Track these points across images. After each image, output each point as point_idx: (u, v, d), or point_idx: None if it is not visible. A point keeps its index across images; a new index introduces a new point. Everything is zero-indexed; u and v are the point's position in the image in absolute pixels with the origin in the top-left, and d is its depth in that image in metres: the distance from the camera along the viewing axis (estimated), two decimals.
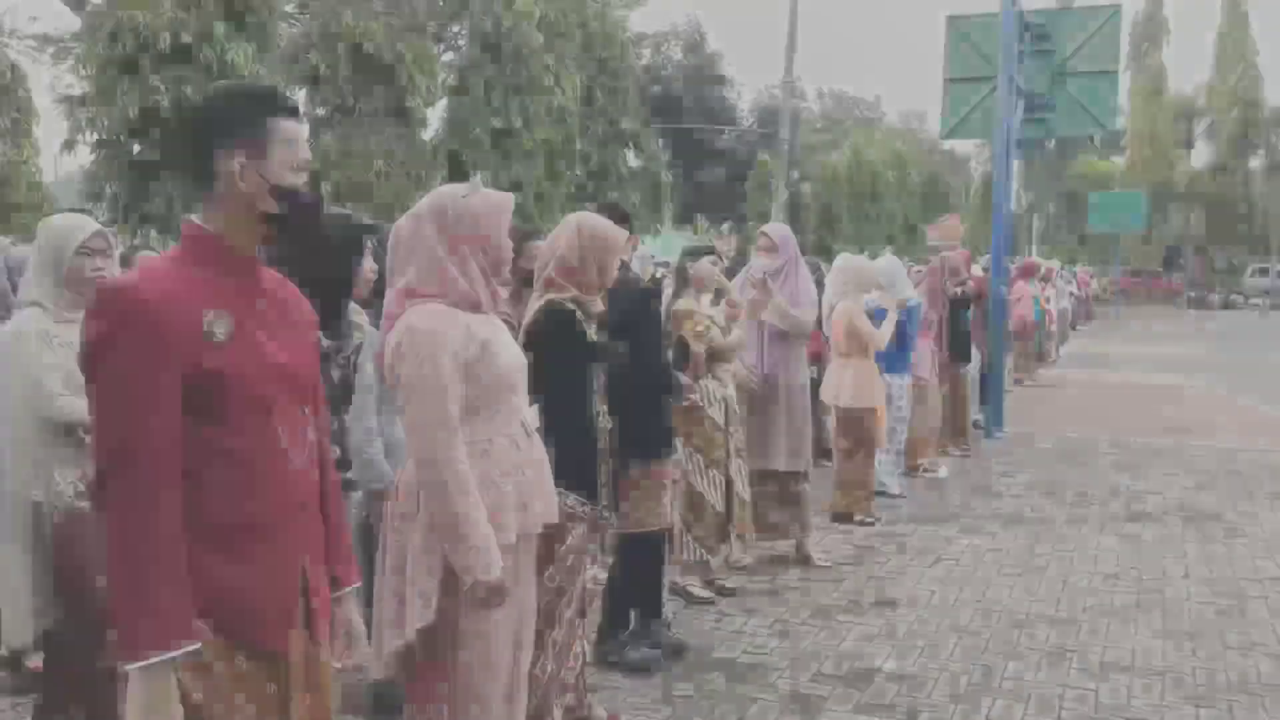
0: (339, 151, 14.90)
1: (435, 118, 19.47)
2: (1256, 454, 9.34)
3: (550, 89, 18.62)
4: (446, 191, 2.66)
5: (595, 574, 3.60)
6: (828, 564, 5.73)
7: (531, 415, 2.82)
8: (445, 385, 2.46)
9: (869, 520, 6.57)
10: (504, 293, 2.74)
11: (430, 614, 2.49)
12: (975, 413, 10.20)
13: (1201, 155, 47.22)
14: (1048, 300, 16.41)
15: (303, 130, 2.00)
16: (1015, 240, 36.78)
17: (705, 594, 5.03)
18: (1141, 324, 30.80)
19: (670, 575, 5.19)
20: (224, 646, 1.81)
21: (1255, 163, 45.29)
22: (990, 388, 10.27)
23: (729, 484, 4.86)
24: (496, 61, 17.99)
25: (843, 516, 6.62)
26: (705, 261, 4.92)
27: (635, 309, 4.12)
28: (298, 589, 1.93)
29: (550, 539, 3.43)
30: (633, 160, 22.86)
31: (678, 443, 4.48)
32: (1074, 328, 23.81)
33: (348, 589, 2.14)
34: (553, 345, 3.41)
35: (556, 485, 3.41)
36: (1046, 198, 46.82)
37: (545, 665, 3.45)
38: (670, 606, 4.88)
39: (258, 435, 1.85)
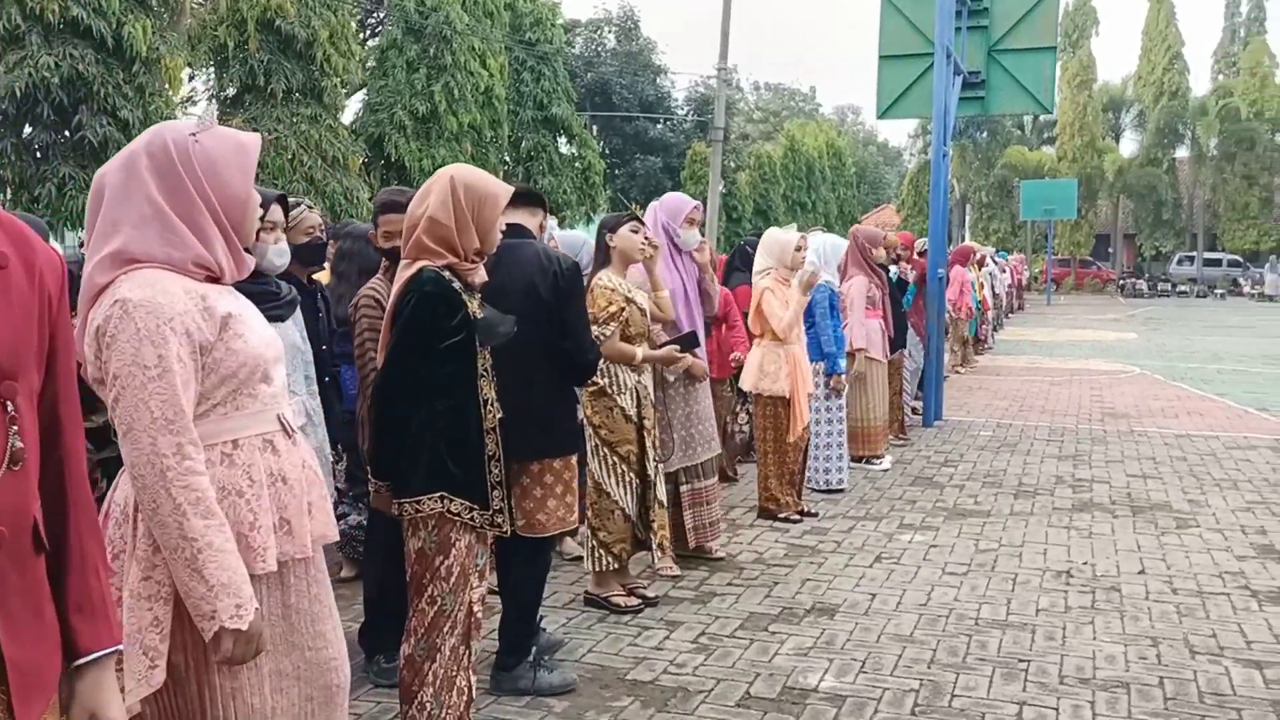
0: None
1: (356, 100, 18.72)
2: (1199, 439, 9.09)
3: (476, 71, 17.93)
4: (169, 128, 2.05)
5: (484, 592, 3.07)
6: (721, 556, 5.29)
7: (296, 410, 2.26)
8: (172, 374, 1.88)
9: (793, 518, 6.10)
10: (249, 261, 2.14)
11: (159, 676, 1.90)
12: (909, 398, 9.83)
13: (1129, 145, 47.95)
14: (983, 286, 16.20)
15: None
16: (948, 231, 36.78)
17: (629, 603, 4.51)
18: (1073, 311, 31.00)
19: (586, 586, 4.68)
20: None
21: (1181, 152, 46.04)
22: (929, 375, 9.91)
23: (644, 484, 4.34)
24: (419, 42, 17.26)
25: (768, 513, 6.15)
26: (626, 230, 4.39)
27: (558, 284, 3.60)
28: None
29: (428, 555, 2.89)
30: (565, 147, 22.24)
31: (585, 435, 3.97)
32: (1007, 315, 23.78)
33: (92, 656, 1.52)
34: (423, 323, 2.86)
35: (437, 489, 2.89)
36: (978, 187, 47.12)
37: (424, 703, 2.91)
38: (581, 619, 4.37)
39: None
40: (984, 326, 16.73)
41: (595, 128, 31.14)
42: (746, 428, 7.38)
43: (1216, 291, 40.75)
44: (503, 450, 3.03)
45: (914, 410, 9.98)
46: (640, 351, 4.31)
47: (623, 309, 4.30)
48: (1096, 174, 44.22)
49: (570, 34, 29.58)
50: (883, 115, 11.16)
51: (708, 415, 5.21)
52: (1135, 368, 15.28)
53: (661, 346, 4.50)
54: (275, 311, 3.23)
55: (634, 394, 4.31)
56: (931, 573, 5.17)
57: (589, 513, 4.40)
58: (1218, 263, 44.12)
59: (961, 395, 11.93)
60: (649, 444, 4.33)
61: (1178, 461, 8.08)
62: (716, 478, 5.36)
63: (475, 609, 3.00)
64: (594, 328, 4.23)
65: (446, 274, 2.93)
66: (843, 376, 6.59)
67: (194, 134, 2.02)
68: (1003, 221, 46.45)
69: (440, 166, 13.39)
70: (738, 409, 7.19)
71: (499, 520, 3.00)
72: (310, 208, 4.04)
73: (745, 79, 78.78)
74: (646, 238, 4.41)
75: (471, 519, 2.92)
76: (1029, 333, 22.29)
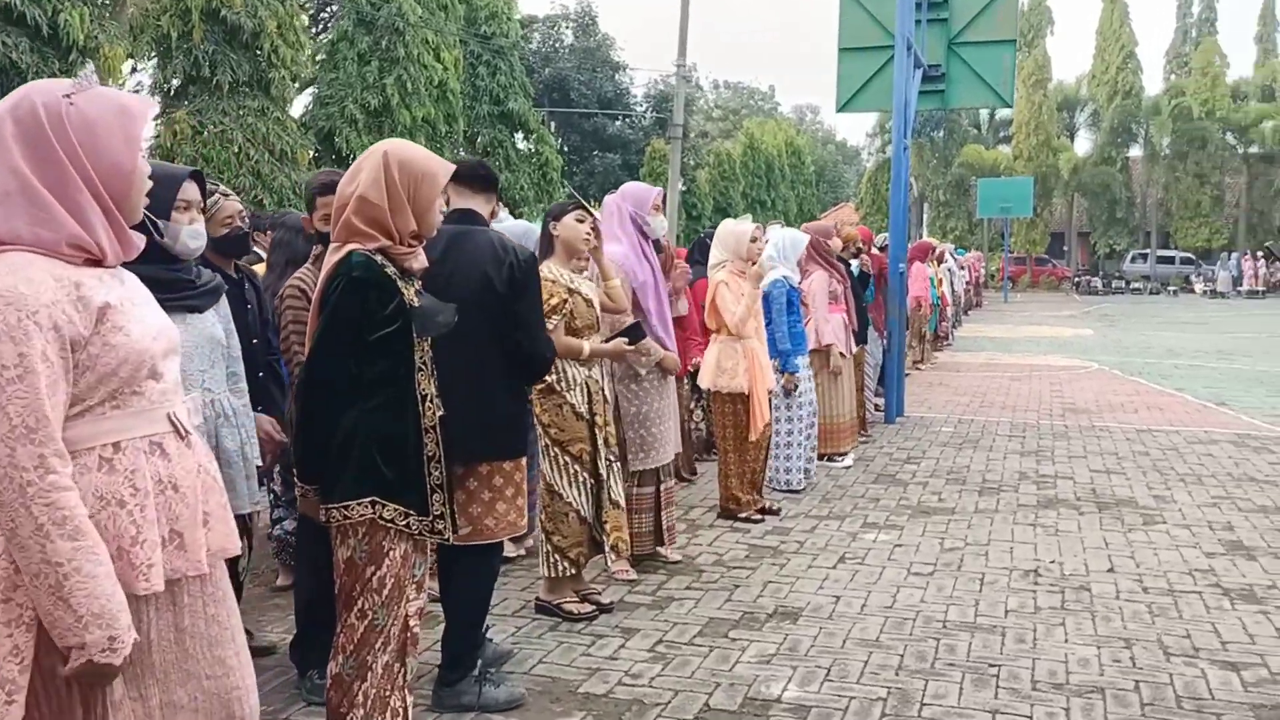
0: (192, 126, 13.65)
1: (307, 93, 18.29)
2: (1161, 434, 9.03)
3: (430, 64, 17.59)
4: (39, 88, 1.78)
5: (422, 605, 2.84)
6: (679, 559, 5.08)
7: (193, 407, 2.02)
8: (35, 375, 1.63)
9: (754, 517, 5.91)
10: (137, 241, 1.88)
11: (17, 713, 1.66)
12: (871, 394, 9.70)
13: (1084, 144, 48.45)
14: (943, 282, 16.16)
15: None
16: (906, 229, 36.84)
17: (582, 610, 4.28)
18: (1030, 309, 31.21)
19: (537, 593, 4.45)
20: None
21: (1135, 151, 46.60)
22: (891, 371, 9.77)
23: (598, 484, 4.12)
24: (371, 34, 16.90)
25: (729, 513, 5.96)
26: (570, 219, 4.17)
27: (514, 275, 3.38)
28: None
29: (358, 565, 2.66)
30: (522, 143, 21.95)
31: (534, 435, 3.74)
32: (965, 313, 23.84)
33: None
34: (352, 311, 2.62)
35: (367, 494, 2.65)
36: (936, 186, 47.39)
37: None
38: (531, 627, 4.15)
39: None
40: (944, 323, 16.70)
41: (553, 124, 30.88)
42: (703, 425, 7.19)
43: (1169, 289, 41.29)
44: (446, 451, 2.80)
45: (876, 406, 9.86)
46: (587, 345, 4.09)
47: (565, 301, 4.08)
48: (1052, 172, 44.64)
49: (527, 29, 29.29)
50: (842, 108, 11.02)
51: (675, 411, 5.03)
52: (1093, 363, 15.30)
53: (609, 340, 4.28)
54: (190, 301, 2.98)
55: (584, 389, 4.09)
56: (897, 573, 5.00)
57: (541, 516, 4.17)
58: (1170, 260, 44.69)
59: (922, 391, 11.83)
60: (600, 441, 4.11)
61: (1140, 456, 7.99)
62: (674, 479, 5.16)
63: (412, 623, 2.76)
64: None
65: (379, 258, 2.69)
66: (796, 375, 6.41)
67: (68, 95, 1.77)
68: (960, 220, 46.75)
69: None
70: (693, 406, 7.00)
71: (439, 527, 2.77)
72: (227, 195, 3.78)
73: (704, 77, 78.80)
74: (592, 228, 4.18)
75: (407, 526, 2.68)
76: (987, 330, 22.35)
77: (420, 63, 17.41)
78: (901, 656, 3.95)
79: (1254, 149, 44.25)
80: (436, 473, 2.75)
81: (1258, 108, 43.44)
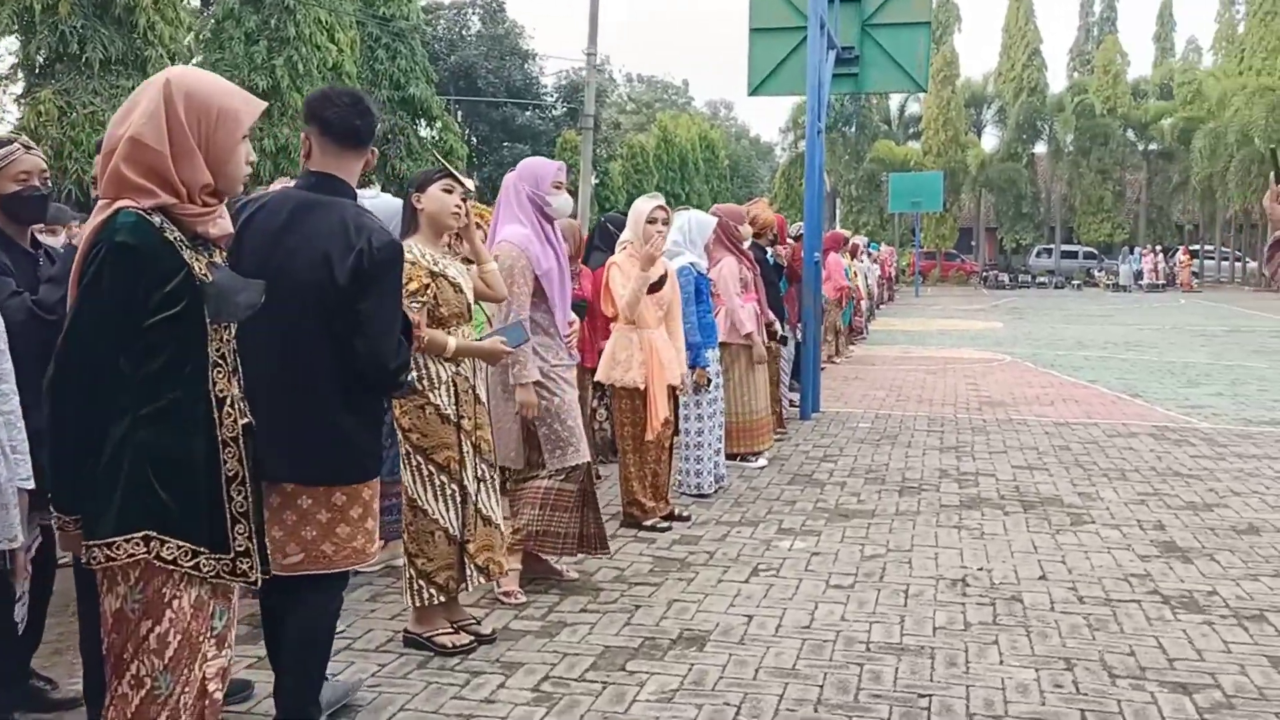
0: (59, 107, 12.62)
1: None
2: (1079, 427, 8.79)
3: (323, 45, 16.73)
4: None
5: (224, 665, 2.24)
6: (575, 576, 4.56)
7: None
8: None
9: (660, 525, 5.40)
10: None
11: None
12: (785, 390, 9.28)
13: (991, 140, 49.21)
14: (858, 274, 15.91)
15: None
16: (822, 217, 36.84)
17: (457, 643, 3.70)
18: (941, 302, 31.41)
19: (405, 623, 3.86)
20: None
21: (1040, 148, 47.47)
22: (806, 365, 9.37)
23: (464, 496, 3.55)
24: (259, 12, 15.97)
25: (633, 520, 5.44)
26: (436, 189, 3.59)
27: (361, 264, 2.78)
28: None
29: (130, 618, 2.05)
30: (425, 130, 21.13)
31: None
32: (879, 306, 23.78)
33: None
34: (115, 289, 2.02)
35: (139, 527, 2.05)
36: (848, 181, 47.65)
37: None
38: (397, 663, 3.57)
39: None
40: (858, 316, 16.45)
41: (460, 113, 30.05)
42: (607, 425, 6.65)
43: (1073, 282, 42.11)
44: (254, 469, 2.22)
45: (791, 402, 9.44)
46: (453, 341, 3.51)
47: (427, 285, 3.50)
48: (960, 168, 45.21)
49: (432, 14, 28.39)
50: (754, 91, 10.58)
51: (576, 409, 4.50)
52: (1006, 355, 15.19)
53: (486, 338, 3.71)
54: None
55: (450, 388, 3.51)
56: (815, 586, 4.53)
57: (405, 537, 3.58)
58: (1074, 255, 45.66)
59: (838, 386, 11.49)
60: (468, 449, 3.53)
61: (1061, 451, 7.71)
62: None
63: (211, 688, 2.17)
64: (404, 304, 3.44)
65: (158, 219, 2.09)
66: (706, 370, 5.92)
67: None
68: (872, 215, 47.08)
69: (282, 146, 12.04)
70: (596, 404, 6.47)
71: (243, 567, 2.18)
72: (29, 148, 3.13)
73: (618, 70, 78.42)
74: (463, 199, 3.61)
75: (196, 567, 2.09)
76: (900, 323, 22.28)
77: (312, 43, 16.53)
78: (821, 688, 3.47)
79: (1153, 146, 45.44)
80: (239, 498, 2.16)
81: (1157, 105, 44.60)
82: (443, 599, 3.59)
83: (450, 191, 3.57)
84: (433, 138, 21.33)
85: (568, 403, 4.35)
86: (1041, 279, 43.35)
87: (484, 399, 3.68)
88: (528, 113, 31.41)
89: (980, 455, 7.55)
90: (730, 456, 7.03)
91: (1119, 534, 5.40)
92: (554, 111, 33.19)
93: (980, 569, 4.79)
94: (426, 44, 24.83)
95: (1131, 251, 41.98)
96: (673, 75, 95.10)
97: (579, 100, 31.25)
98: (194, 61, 17.02)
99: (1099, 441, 8.10)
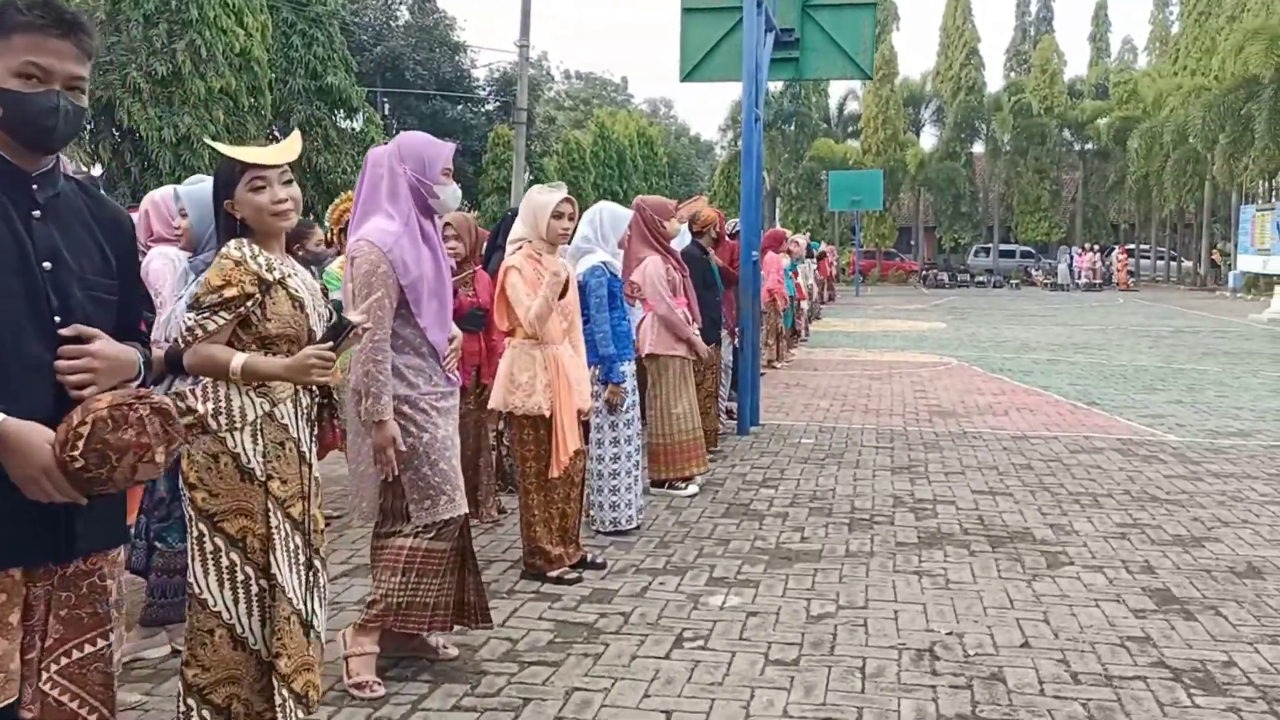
0: None
1: None
2: (1038, 441, 8.08)
3: (230, 29, 15.56)
4: None
5: None
6: (455, 653, 3.67)
7: None
8: None
9: (568, 575, 4.53)
10: None
11: None
12: (722, 401, 8.46)
13: (929, 140, 49.07)
14: (798, 275, 15.16)
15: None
16: (760, 212, 36.44)
17: None
18: (881, 302, 30.95)
19: None
20: None
21: (978, 147, 47.41)
22: (744, 374, 8.55)
23: (269, 587, 2.62)
24: None
25: (535, 571, 4.55)
26: (243, 190, 2.70)
27: None
28: None
29: None
30: (344, 121, 19.98)
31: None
32: (820, 304, 23.15)
33: None
34: None
35: None
36: (788, 179, 47.18)
37: None
38: None
39: None
40: (800, 318, 15.72)
41: (387, 106, 28.87)
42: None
43: (1011, 282, 42.03)
44: None
45: (729, 413, 8.63)
46: (240, 358, 2.56)
47: (249, 295, 2.59)
48: (899, 167, 44.93)
49: (358, 3, 27.19)
50: (687, 77, 9.74)
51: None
52: (952, 359, 14.56)
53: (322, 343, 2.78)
54: None
55: (257, 432, 2.59)
56: (750, 662, 3.68)
57: (184, 637, 2.64)
58: (1011, 254, 45.65)
59: (779, 394, 10.71)
60: (278, 521, 2.61)
61: (1023, 471, 6.97)
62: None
63: None
64: (190, 315, 2.53)
65: None
66: (623, 386, 5.06)
67: None
68: (812, 214, 46.63)
69: (184, 136, 10.83)
70: (488, 431, 5.55)
71: None
72: None
73: (556, 67, 77.51)
74: (285, 183, 2.70)
75: None
76: (841, 324, 21.67)
77: (218, 27, 15.35)
78: None
79: (1089, 145, 45.60)
80: None
81: (1093, 105, 44.73)
82: None
83: (261, 189, 2.65)
84: (352, 128, 20.19)
85: (440, 440, 3.45)
86: (980, 278, 43.26)
87: (311, 455, 2.75)
88: (459, 107, 30.31)
89: (936, 477, 6.79)
90: (658, 483, 6.20)
91: (1104, 579, 4.63)
92: (486, 106, 32.12)
93: (949, 633, 3.97)
94: (350, 32, 23.63)
95: (1069, 250, 42.00)
96: (611, 73, 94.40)
97: (512, 94, 30.24)
98: None
99: (1062, 459, 7.39)
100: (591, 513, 5.21)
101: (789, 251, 14.49)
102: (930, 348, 16.38)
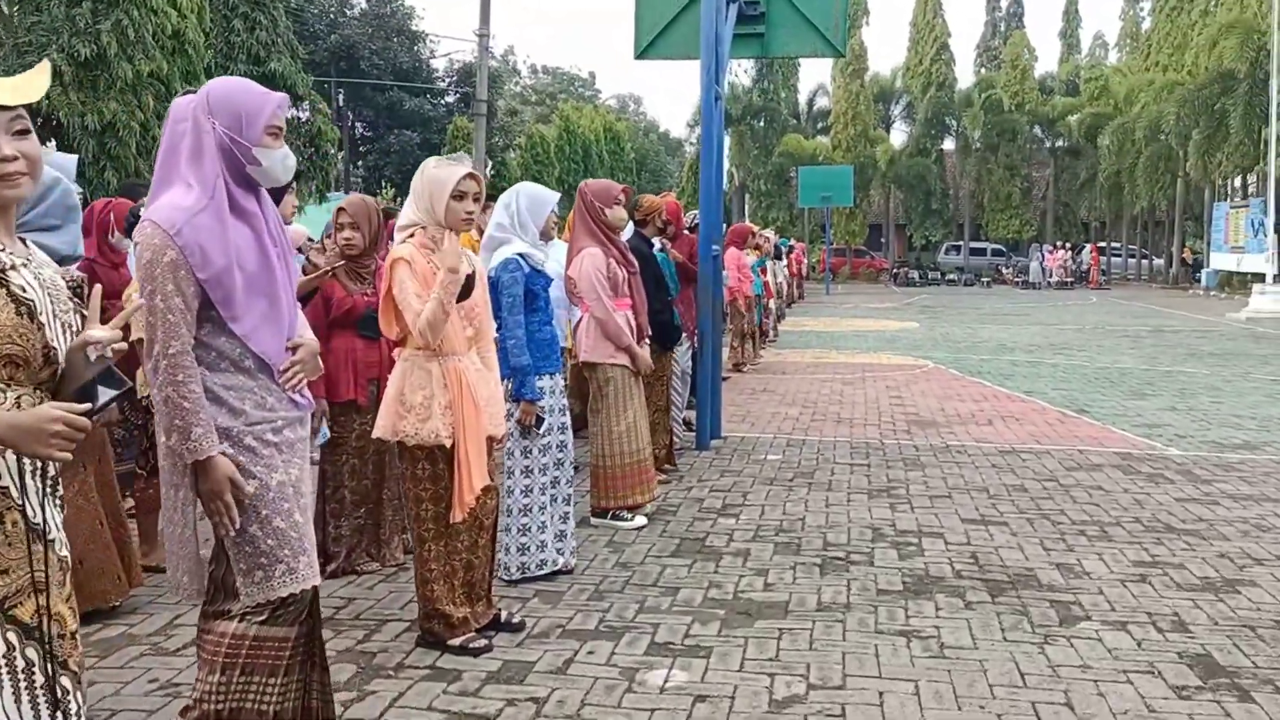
0: None
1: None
2: (1029, 456, 7.28)
3: (161, 10, 14.49)
4: None
5: None
6: None
7: None
8: None
9: (474, 644, 3.64)
10: None
11: None
12: (679, 411, 7.61)
13: (899, 136, 48.50)
14: (766, 272, 14.35)
15: None
16: (727, 218, 35.84)
17: None
18: (852, 300, 30.25)
19: None
20: None
21: (948, 143, 46.88)
22: (704, 381, 7.69)
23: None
24: None
25: (433, 638, 3.66)
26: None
27: None
28: None
29: None
30: (292, 110, 18.91)
31: None
32: (789, 305, 22.38)
33: None
34: None
35: None
36: (757, 175, 46.45)
37: None
38: None
39: None
40: (768, 318, 14.90)
41: (342, 97, 27.81)
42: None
43: (982, 280, 41.50)
44: None
45: (688, 424, 7.77)
46: None
47: None
48: (869, 163, 44.31)
49: None
50: (642, 54, 8.86)
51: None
52: (927, 361, 13.79)
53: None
54: None
55: (15, 480, 1.72)
56: None
57: None
58: (982, 252, 45.14)
59: (744, 401, 9.87)
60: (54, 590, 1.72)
61: (1017, 494, 6.16)
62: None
63: None
64: None
65: None
66: (539, 405, 4.19)
67: None
68: (781, 210, 45.95)
69: (109, 123, 9.72)
70: (394, 457, 4.65)
71: None
72: None
73: (522, 61, 76.49)
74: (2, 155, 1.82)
75: None
76: (811, 323, 20.90)
77: (147, 7, 14.25)
78: None
79: (1060, 142, 45.17)
80: None
81: (1064, 101, 44.28)
82: None
83: None
84: (298, 117, 19.14)
85: (275, 488, 2.56)
86: (951, 276, 42.73)
87: (53, 527, 1.87)
88: (417, 98, 29.26)
89: (919, 501, 5.96)
90: (599, 512, 5.32)
91: (1130, 641, 3.81)
92: (446, 98, 31.10)
93: None
94: (301, 19, 22.55)
95: (1040, 248, 41.53)
96: (579, 68, 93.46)
97: (472, 85, 29.25)
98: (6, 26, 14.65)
99: (1058, 478, 6.59)
100: (503, 558, 4.33)
101: (757, 247, 13.68)
102: (904, 349, 15.62)
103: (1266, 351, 15.32)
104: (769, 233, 17.06)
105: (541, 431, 4.25)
